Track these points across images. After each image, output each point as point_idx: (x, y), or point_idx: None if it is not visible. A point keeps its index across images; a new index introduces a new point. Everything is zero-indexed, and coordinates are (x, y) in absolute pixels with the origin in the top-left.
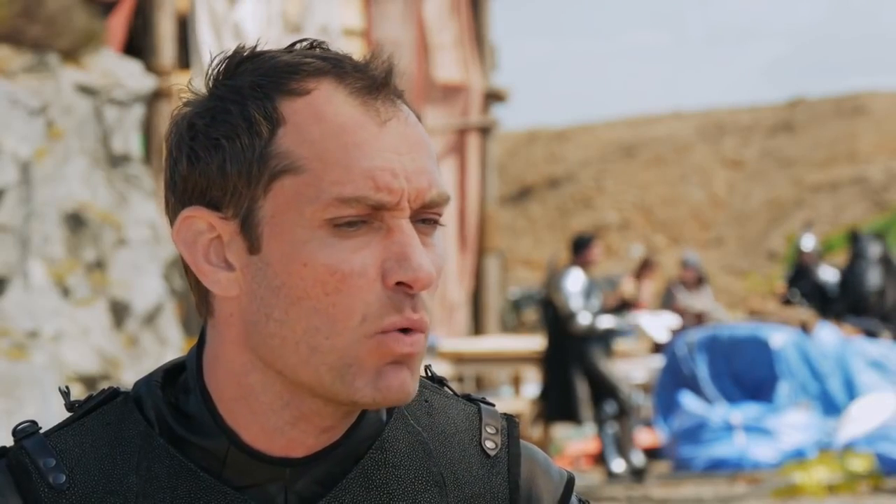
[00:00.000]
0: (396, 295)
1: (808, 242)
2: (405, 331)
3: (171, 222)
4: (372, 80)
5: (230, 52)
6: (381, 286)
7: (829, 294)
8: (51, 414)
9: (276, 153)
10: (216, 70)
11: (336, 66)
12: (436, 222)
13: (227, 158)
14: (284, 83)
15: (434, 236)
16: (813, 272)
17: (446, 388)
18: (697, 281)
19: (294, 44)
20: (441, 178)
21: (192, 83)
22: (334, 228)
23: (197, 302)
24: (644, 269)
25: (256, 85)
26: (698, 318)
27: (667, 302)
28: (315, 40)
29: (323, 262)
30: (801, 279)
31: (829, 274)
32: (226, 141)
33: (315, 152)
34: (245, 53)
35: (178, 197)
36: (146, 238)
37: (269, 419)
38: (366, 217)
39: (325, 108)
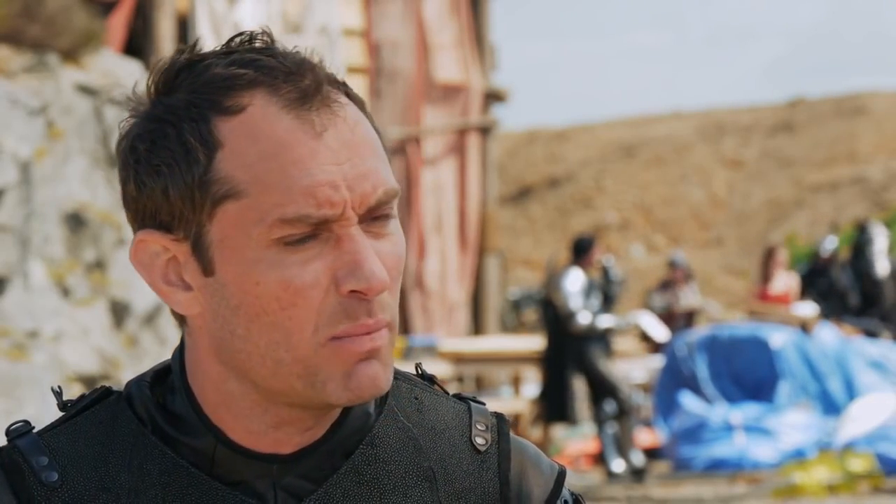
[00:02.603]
0: (350, 302)
1: (830, 245)
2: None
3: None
4: (304, 90)
5: (169, 60)
6: (335, 294)
7: (845, 293)
8: (50, 414)
9: (216, 179)
10: (157, 80)
11: (268, 76)
12: (388, 216)
13: (168, 185)
14: (219, 101)
15: (389, 227)
16: (832, 273)
17: (436, 387)
18: (686, 279)
19: (232, 39)
20: (387, 172)
21: (136, 89)
22: (283, 245)
23: (171, 311)
24: (769, 261)
25: (192, 104)
26: (689, 316)
27: (653, 303)
28: (254, 32)
29: (275, 279)
30: (817, 279)
31: (845, 276)
32: (166, 168)
33: (253, 175)
34: (182, 61)
35: (133, 215)
36: None
37: (252, 422)
38: (313, 232)
39: (259, 126)
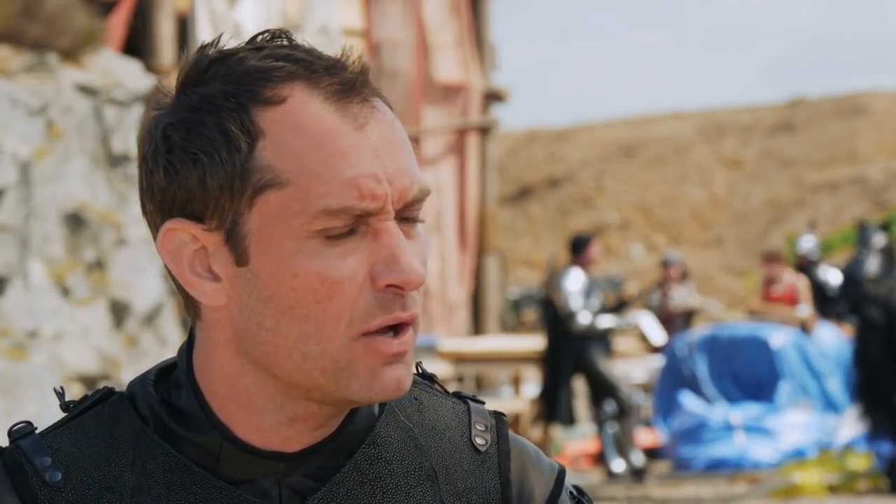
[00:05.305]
0: (385, 296)
1: (807, 243)
2: (395, 330)
3: (150, 225)
4: (345, 83)
5: (197, 55)
6: (371, 288)
7: (829, 294)
8: (51, 414)
9: (258, 167)
10: (185, 73)
11: (307, 69)
12: (416, 219)
13: (206, 173)
14: (258, 91)
15: (417, 229)
16: (813, 272)
17: (436, 386)
18: (682, 277)
19: (256, 37)
20: (418, 170)
21: (162, 83)
22: (323, 238)
23: (185, 304)
24: (773, 264)
25: (229, 94)
26: (688, 316)
27: (653, 303)
28: (278, 30)
29: (314, 271)
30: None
31: (829, 274)
32: (204, 156)
33: (297, 165)
34: (212, 55)
35: (157, 206)
36: (146, 238)
37: (265, 419)
38: (352, 225)
39: (302, 117)
